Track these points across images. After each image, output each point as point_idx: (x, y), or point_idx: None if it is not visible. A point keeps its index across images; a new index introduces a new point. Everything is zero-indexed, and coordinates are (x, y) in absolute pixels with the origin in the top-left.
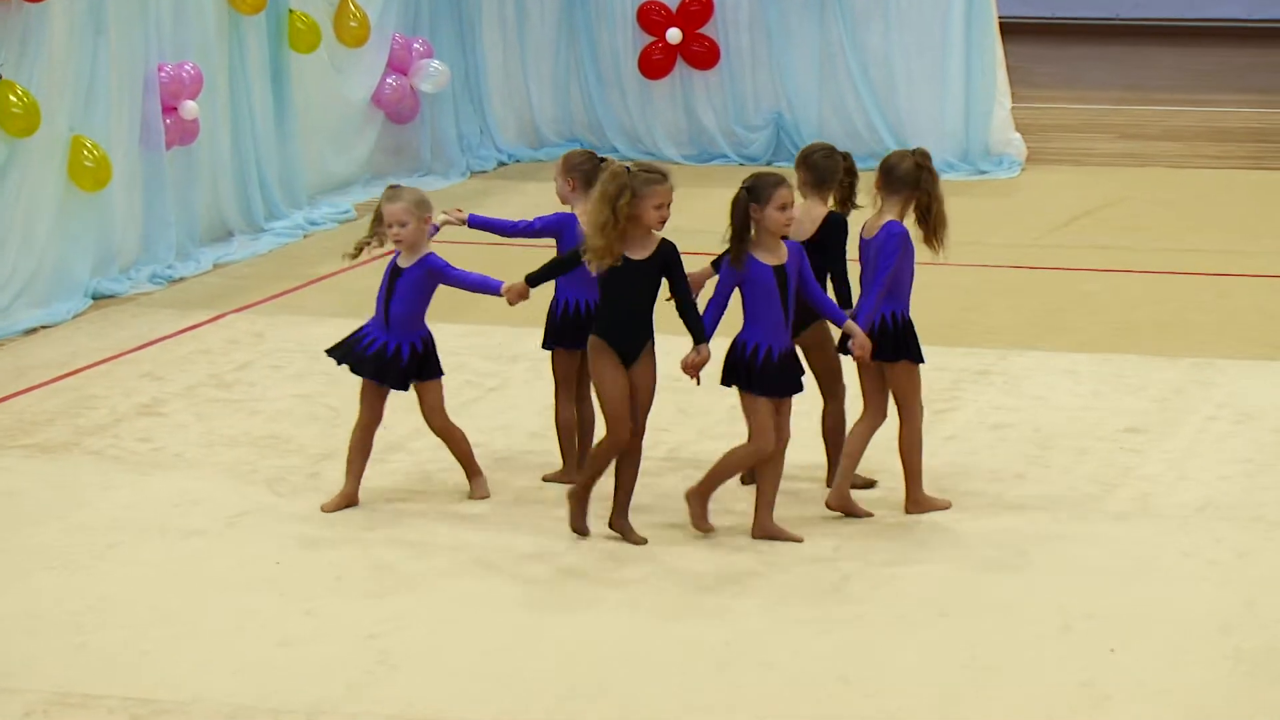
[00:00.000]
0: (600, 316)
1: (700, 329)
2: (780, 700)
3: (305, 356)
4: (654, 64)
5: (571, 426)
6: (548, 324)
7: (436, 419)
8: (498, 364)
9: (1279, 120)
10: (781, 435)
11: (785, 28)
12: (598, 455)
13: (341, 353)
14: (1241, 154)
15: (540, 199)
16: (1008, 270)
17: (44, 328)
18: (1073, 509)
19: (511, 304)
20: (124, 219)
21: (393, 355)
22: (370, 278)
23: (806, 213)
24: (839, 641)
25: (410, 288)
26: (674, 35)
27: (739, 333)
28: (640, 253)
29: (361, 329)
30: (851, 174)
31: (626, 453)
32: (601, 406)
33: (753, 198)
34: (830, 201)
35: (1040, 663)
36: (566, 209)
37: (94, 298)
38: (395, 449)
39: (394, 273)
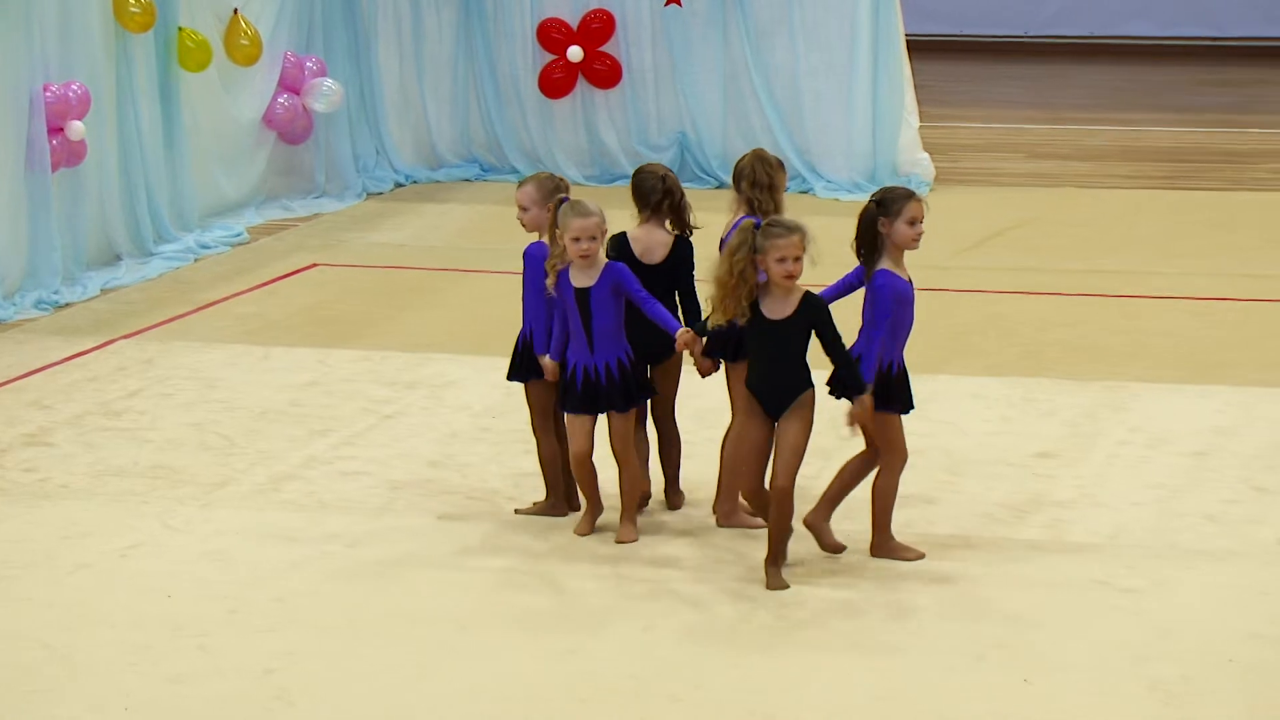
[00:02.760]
0: (749, 368)
1: (861, 381)
2: None
3: (197, 384)
4: (554, 83)
5: (555, 459)
6: (513, 357)
7: (619, 443)
8: (394, 390)
9: (1193, 139)
10: (901, 451)
11: (688, 46)
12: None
13: (560, 398)
14: (1155, 174)
15: (438, 220)
16: (915, 293)
17: None
18: (985, 536)
19: (679, 350)
20: (8, 243)
21: (606, 381)
22: (261, 303)
23: (649, 235)
24: (748, 674)
25: (610, 299)
26: (575, 53)
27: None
28: (776, 310)
29: (568, 368)
30: (670, 195)
31: (778, 506)
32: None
33: (881, 211)
34: (669, 225)
35: (954, 694)
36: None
37: None
38: (289, 479)
39: (580, 293)
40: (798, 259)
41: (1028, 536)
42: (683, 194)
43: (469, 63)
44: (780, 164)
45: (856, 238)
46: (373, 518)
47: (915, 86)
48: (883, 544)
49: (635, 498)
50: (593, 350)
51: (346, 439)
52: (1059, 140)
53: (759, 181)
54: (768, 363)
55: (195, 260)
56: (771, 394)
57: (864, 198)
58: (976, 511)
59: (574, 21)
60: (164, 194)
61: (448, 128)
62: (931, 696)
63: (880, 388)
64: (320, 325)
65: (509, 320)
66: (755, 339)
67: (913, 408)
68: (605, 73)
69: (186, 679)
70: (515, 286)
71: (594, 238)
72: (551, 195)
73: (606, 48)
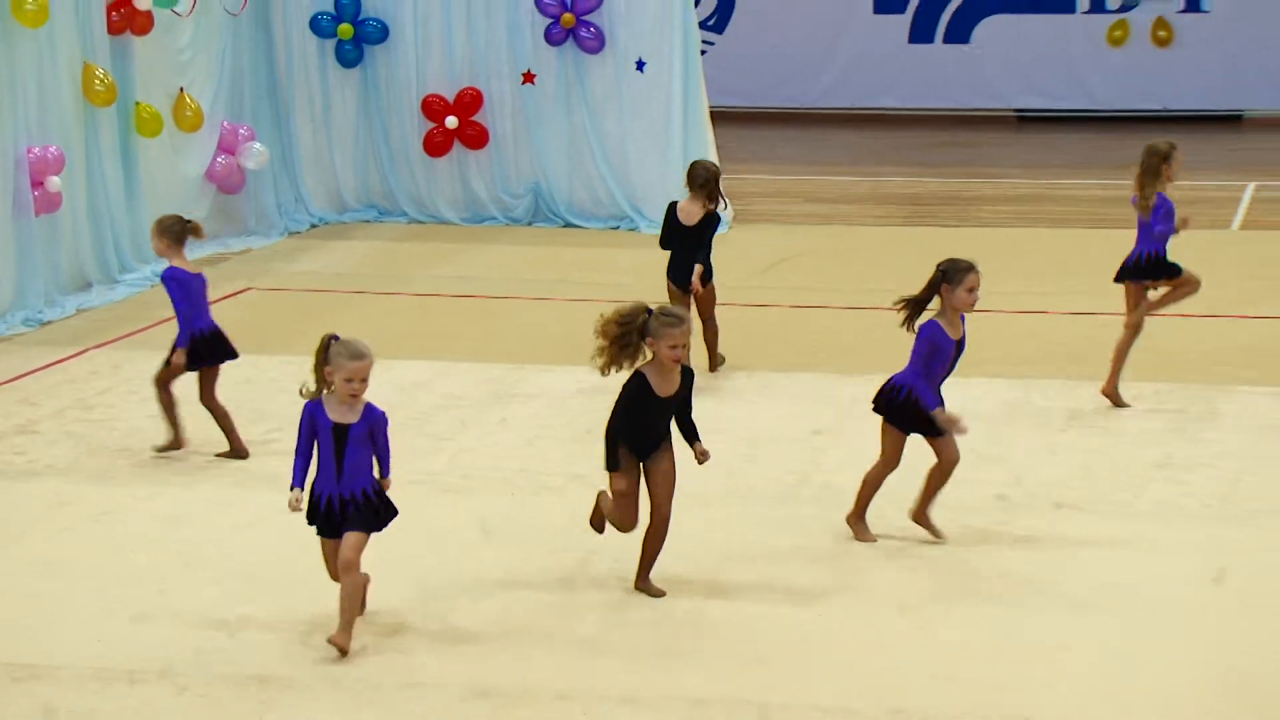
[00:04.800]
0: (625, 425)
1: (694, 434)
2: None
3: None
4: (435, 144)
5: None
6: (190, 350)
7: (351, 553)
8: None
9: (929, 187)
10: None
11: (540, 116)
12: (617, 519)
13: (310, 519)
14: (899, 215)
15: (345, 253)
16: (720, 307)
17: None
18: (775, 496)
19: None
20: (0, 274)
21: (352, 509)
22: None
23: (691, 206)
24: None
25: (365, 438)
26: (452, 121)
27: (899, 375)
28: (664, 388)
29: (314, 489)
30: (712, 181)
31: (654, 528)
32: (614, 500)
33: (946, 279)
34: (704, 202)
35: (729, 639)
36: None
37: None
38: (231, 459)
39: (338, 428)
40: (686, 345)
41: (808, 494)
42: (703, 184)
43: (367, 129)
44: (1169, 152)
45: (921, 294)
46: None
47: (717, 146)
48: (854, 521)
49: (355, 608)
50: (339, 481)
51: (276, 426)
52: (828, 188)
53: (1147, 168)
54: (650, 426)
55: (152, 286)
56: (643, 443)
57: None
58: (770, 477)
59: (450, 97)
60: (126, 234)
61: (352, 179)
62: (708, 640)
63: (911, 416)
64: (253, 336)
65: (403, 329)
66: (643, 409)
67: (913, 430)
68: (476, 137)
69: (148, 618)
70: (408, 303)
71: (365, 379)
72: (165, 232)
73: (477, 117)
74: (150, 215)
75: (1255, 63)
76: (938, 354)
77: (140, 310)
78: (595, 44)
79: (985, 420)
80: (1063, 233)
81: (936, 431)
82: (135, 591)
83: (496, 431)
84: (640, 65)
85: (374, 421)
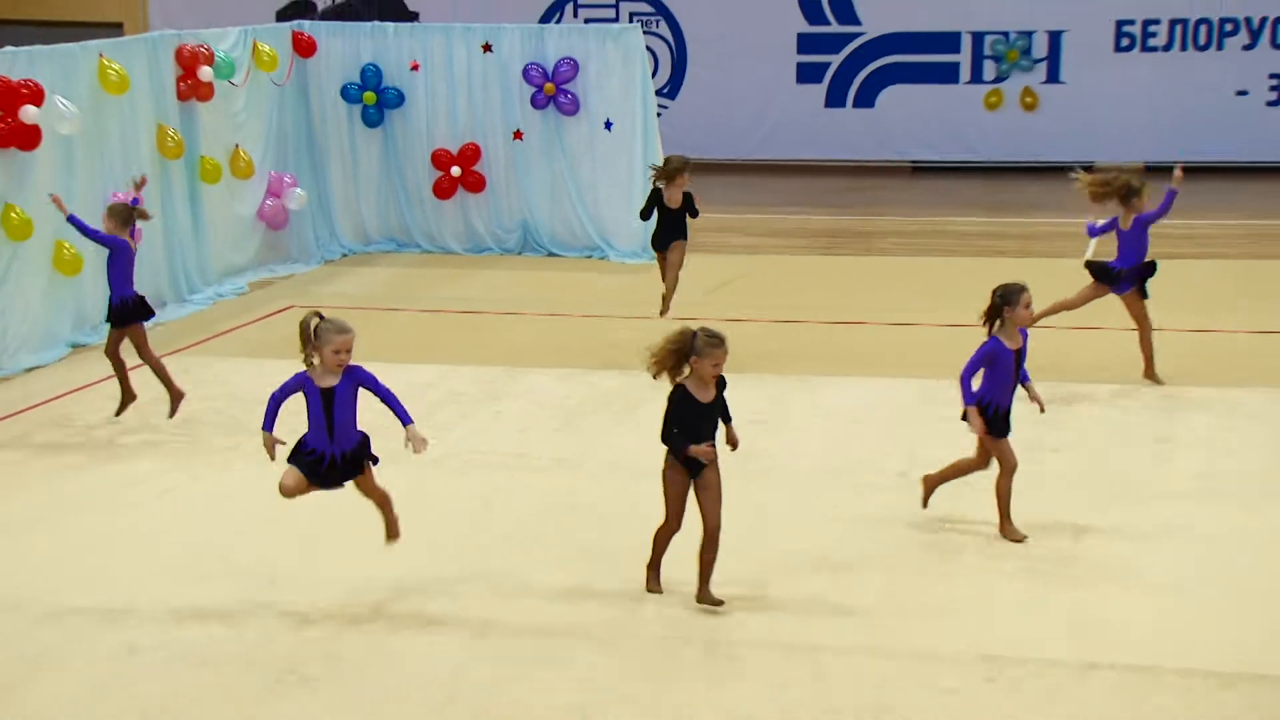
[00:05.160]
0: (680, 433)
1: (728, 418)
2: None
3: (217, 383)
4: (443, 188)
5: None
6: (113, 312)
7: (375, 493)
8: None
9: (842, 223)
10: (1009, 461)
11: (528, 166)
12: (657, 537)
13: (308, 471)
14: (818, 246)
15: (370, 277)
16: (675, 321)
17: (39, 367)
18: (725, 471)
19: (418, 452)
20: (92, 294)
21: (343, 463)
22: (257, 332)
23: (670, 191)
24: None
25: (350, 397)
26: (456, 170)
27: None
28: (705, 396)
29: (306, 449)
30: (672, 173)
31: (706, 540)
32: (665, 501)
33: (1005, 302)
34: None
35: (687, 588)
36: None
37: (72, 347)
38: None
39: (325, 392)
40: (724, 363)
41: (751, 469)
42: (679, 173)
43: (387, 176)
44: (1140, 189)
45: (987, 316)
46: None
47: None
48: (1004, 528)
49: (392, 509)
50: (332, 440)
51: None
52: (761, 224)
53: (1128, 188)
54: (699, 430)
55: (214, 305)
56: (694, 458)
57: (640, 262)
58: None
59: (455, 150)
60: (193, 262)
61: (374, 218)
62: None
63: (988, 422)
64: (295, 346)
65: (415, 339)
66: (691, 415)
67: (1009, 433)
68: (475, 182)
69: (211, 572)
70: (420, 318)
71: (349, 350)
72: (113, 215)
73: (477, 167)
74: (213, 249)
75: (1103, 122)
76: (997, 363)
77: (205, 324)
78: (572, 108)
79: (888, 412)
80: (949, 261)
81: (1001, 434)
82: (199, 550)
83: (492, 423)
84: (608, 125)
85: (356, 377)
